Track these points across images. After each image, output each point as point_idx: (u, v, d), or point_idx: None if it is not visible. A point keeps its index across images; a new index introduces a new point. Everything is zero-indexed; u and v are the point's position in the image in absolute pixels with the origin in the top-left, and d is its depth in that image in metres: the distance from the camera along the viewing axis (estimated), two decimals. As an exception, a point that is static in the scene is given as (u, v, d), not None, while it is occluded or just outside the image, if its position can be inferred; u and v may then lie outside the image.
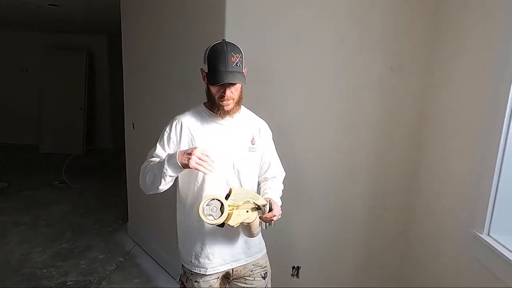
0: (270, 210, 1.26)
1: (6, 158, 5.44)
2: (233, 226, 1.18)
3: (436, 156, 1.81)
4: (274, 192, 1.42)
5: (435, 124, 1.82)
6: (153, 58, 2.62)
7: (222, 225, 1.17)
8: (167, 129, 1.34)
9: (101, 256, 2.91)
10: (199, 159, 1.17)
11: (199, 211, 1.14)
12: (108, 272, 2.68)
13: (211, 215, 1.14)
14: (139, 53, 2.83)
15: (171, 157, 1.22)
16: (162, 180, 1.22)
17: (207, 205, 1.14)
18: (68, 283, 2.52)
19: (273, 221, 1.29)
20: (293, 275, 2.15)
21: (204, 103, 1.38)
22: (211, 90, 1.28)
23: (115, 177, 4.32)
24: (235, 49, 1.25)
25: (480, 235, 1.31)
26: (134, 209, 3.14)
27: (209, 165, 1.19)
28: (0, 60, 6.59)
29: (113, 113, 6.54)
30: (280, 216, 1.30)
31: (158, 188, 1.26)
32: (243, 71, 1.28)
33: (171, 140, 1.32)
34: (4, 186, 4.38)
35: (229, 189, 1.21)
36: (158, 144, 1.35)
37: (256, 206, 1.20)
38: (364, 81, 1.92)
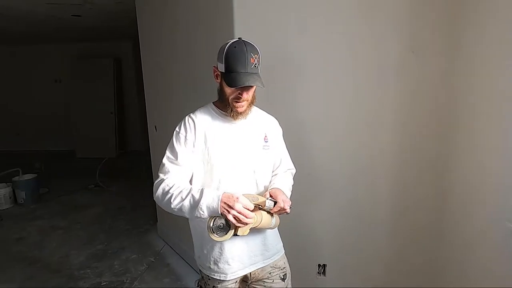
0: (275, 203, 1.23)
1: (45, 164, 5.75)
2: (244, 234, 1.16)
3: (466, 146, 1.66)
4: (279, 182, 1.36)
5: (464, 111, 1.67)
6: (170, 61, 2.63)
7: (236, 235, 1.14)
8: (182, 130, 1.28)
9: (133, 257, 3.00)
10: (239, 212, 1.10)
11: (208, 232, 1.12)
12: (139, 272, 2.76)
13: (220, 231, 1.13)
14: (157, 57, 2.86)
15: (208, 201, 1.13)
16: (193, 216, 1.15)
17: (213, 225, 1.12)
18: (102, 284, 2.62)
19: (286, 211, 1.25)
20: (319, 273, 2.09)
21: (214, 102, 1.35)
22: (225, 91, 1.23)
23: (145, 178, 4.44)
24: (254, 49, 1.20)
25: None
26: (162, 210, 3.20)
27: (246, 223, 1.12)
28: (35, 72, 6.99)
29: (141, 116, 6.74)
30: (290, 204, 1.26)
31: (182, 214, 1.19)
32: (260, 76, 1.22)
33: (188, 141, 1.26)
34: (45, 192, 4.64)
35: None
36: (176, 149, 1.25)
37: (259, 207, 1.16)
38: (383, 67, 1.80)
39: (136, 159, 6.25)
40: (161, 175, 1.25)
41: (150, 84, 3.12)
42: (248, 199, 1.15)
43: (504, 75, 1.38)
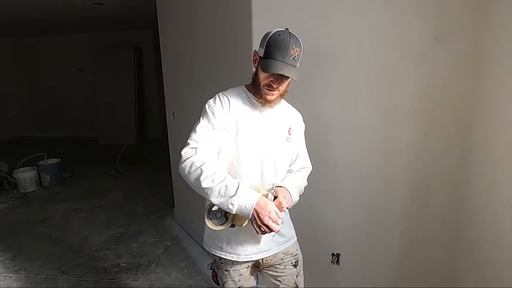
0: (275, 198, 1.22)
1: (69, 150, 5.96)
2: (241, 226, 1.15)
3: (488, 137, 1.60)
4: (288, 181, 1.34)
5: (488, 101, 1.60)
6: (188, 49, 2.65)
7: (232, 226, 1.14)
8: (218, 103, 1.24)
9: (150, 240, 3.08)
10: (266, 226, 1.11)
11: (204, 217, 1.11)
12: (156, 255, 2.83)
13: (216, 219, 1.12)
14: (175, 46, 2.88)
15: (242, 201, 1.10)
16: (218, 202, 1.12)
17: (212, 210, 1.11)
18: (121, 265, 2.72)
19: (281, 209, 1.19)
20: (333, 262, 2.09)
21: (246, 86, 1.33)
22: (259, 76, 1.22)
23: (164, 165, 4.52)
24: (297, 42, 1.18)
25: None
26: (179, 195, 3.27)
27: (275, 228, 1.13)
28: (59, 61, 7.20)
29: (161, 104, 6.82)
30: (289, 204, 1.25)
31: (203, 194, 1.15)
32: (296, 71, 1.19)
33: (222, 116, 1.22)
34: (68, 176, 4.82)
35: None
36: (211, 118, 1.20)
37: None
38: (404, 54, 1.75)
39: (155, 146, 6.37)
40: (192, 143, 1.19)
41: (169, 72, 3.15)
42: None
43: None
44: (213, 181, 1.12)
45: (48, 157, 4.54)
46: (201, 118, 1.24)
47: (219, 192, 1.11)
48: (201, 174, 1.12)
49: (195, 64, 2.57)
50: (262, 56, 1.19)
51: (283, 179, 1.36)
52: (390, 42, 1.75)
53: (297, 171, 1.42)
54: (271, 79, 1.19)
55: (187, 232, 3.16)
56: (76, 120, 7.38)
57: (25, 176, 4.30)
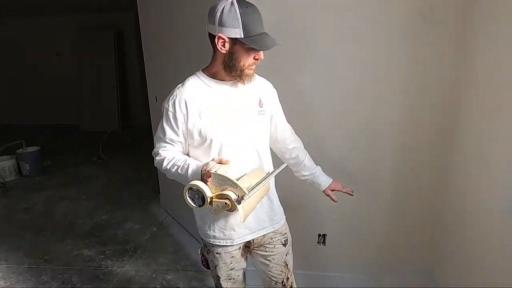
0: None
1: (49, 138, 5.79)
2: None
3: (472, 114, 1.61)
4: (315, 172, 1.51)
5: (476, 81, 1.60)
6: (167, 30, 2.56)
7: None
8: (170, 108, 1.21)
9: (136, 227, 3.05)
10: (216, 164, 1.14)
11: (184, 197, 1.10)
12: (143, 242, 2.81)
13: (193, 200, 1.10)
14: (155, 27, 2.79)
15: (194, 175, 1.17)
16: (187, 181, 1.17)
17: (190, 189, 1.09)
18: (106, 252, 2.69)
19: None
20: (319, 243, 2.11)
21: (203, 70, 1.27)
22: (239, 58, 1.15)
23: (149, 151, 4.41)
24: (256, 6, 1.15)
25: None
26: (164, 181, 3.23)
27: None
28: (36, 45, 6.88)
29: (145, 89, 6.65)
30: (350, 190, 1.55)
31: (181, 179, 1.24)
32: None
33: (178, 120, 1.20)
34: (49, 164, 4.68)
35: (209, 171, 1.11)
36: (166, 127, 1.23)
37: (237, 197, 1.07)
38: (389, 32, 1.72)
39: (139, 132, 6.25)
40: (155, 149, 1.29)
41: (150, 55, 3.06)
42: (229, 182, 1.09)
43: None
44: (174, 174, 1.22)
45: (28, 145, 4.39)
46: (162, 120, 1.25)
47: (182, 180, 1.18)
48: (167, 171, 1.24)
49: (175, 46, 2.50)
50: (242, 36, 1.10)
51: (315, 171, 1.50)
52: (376, 19, 1.71)
53: (293, 146, 1.47)
54: (255, 54, 1.15)
55: (173, 218, 3.14)
56: (56, 107, 7.13)
57: (3, 165, 4.16)
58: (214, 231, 1.32)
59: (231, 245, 1.33)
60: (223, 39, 1.13)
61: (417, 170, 1.90)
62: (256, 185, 1.13)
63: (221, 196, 1.08)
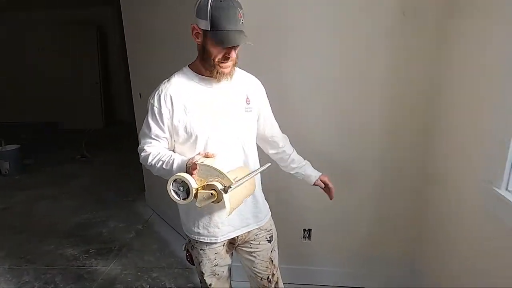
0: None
1: (30, 136, 5.64)
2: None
3: (452, 109, 1.65)
4: (305, 164, 1.53)
5: (453, 73, 1.65)
6: (151, 25, 2.52)
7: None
8: (156, 103, 1.20)
9: (121, 225, 3.01)
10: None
11: (167, 189, 1.07)
12: (128, 240, 2.78)
13: (178, 193, 1.08)
14: (138, 21, 2.74)
15: (179, 169, 1.15)
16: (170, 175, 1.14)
17: (174, 182, 1.07)
18: (90, 251, 2.64)
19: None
20: (305, 238, 2.13)
21: (189, 66, 1.26)
22: (210, 51, 1.14)
23: (133, 148, 4.36)
24: (239, 3, 1.11)
25: (498, 190, 1.20)
26: (150, 178, 3.20)
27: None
28: (17, 41, 6.68)
29: (128, 85, 6.54)
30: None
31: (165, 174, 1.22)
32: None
33: (164, 115, 1.20)
34: (30, 163, 4.57)
35: (196, 162, 1.11)
36: (151, 122, 1.22)
37: (223, 187, 1.07)
38: (372, 30, 1.74)
39: (123, 128, 6.14)
40: (141, 145, 1.28)
41: (133, 50, 3.01)
42: (216, 172, 1.08)
43: (493, 39, 1.35)
44: (159, 169, 1.21)
45: (8, 143, 4.26)
46: (147, 116, 1.24)
47: (168, 174, 1.15)
48: (152, 167, 1.23)
49: (159, 42, 2.46)
50: (208, 29, 1.10)
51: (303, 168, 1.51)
52: (359, 16, 1.73)
53: (282, 144, 1.48)
54: (226, 51, 1.13)
55: (159, 215, 3.11)
56: (37, 104, 6.94)
57: (-18, 163, 4.04)
58: (199, 228, 1.32)
59: (215, 242, 1.33)
60: (196, 29, 1.14)
61: (400, 165, 1.94)
62: (242, 178, 1.12)
63: (207, 187, 1.08)
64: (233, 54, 1.14)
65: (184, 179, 1.06)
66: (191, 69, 1.25)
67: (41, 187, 3.86)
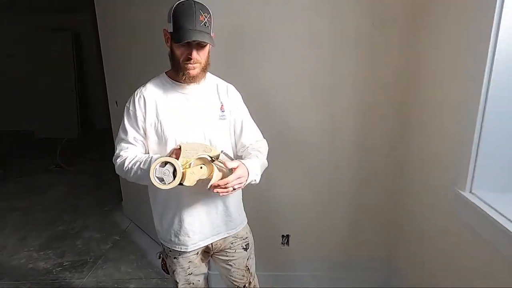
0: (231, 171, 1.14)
1: (1, 145, 5.43)
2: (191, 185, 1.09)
3: (421, 114, 1.73)
4: (252, 158, 1.25)
5: (420, 80, 1.73)
6: (127, 32, 2.51)
7: (180, 184, 1.07)
8: (131, 106, 1.24)
9: (97, 236, 2.93)
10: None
11: (150, 176, 1.04)
12: (103, 251, 2.71)
13: (162, 179, 1.05)
14: (114, 28, 2.71)
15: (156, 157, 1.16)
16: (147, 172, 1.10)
17: (159, 166, 1.05)
18: (64, 264, 2.56)
19: (224, 190, 1.11)
20: (283, 244, 2.14)
21: (166, 72, 1.29)
22: (175, 53, 1.18)
23: (110, 156, 4.27)
24: (204, 8, 1.15)
25: (462, 192, 1.26)
26: (127, 187, 3.14)
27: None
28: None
29: (104, 93, 6.42)
30: (238, 185, 1.13)
31: (140, 179, 1.21)
32: (211, 34, 1.18)
33: (138, 118, 1.23)
34: (0, 173, 4.38)
35: (179, 146, 1.11)
36: (127, 125, 1.24)
37: (211, 159, 1.09)
38: (343, 38, 1.81)
39: (100, 137, 6.00)
40: (117, 151, 1.28)
41: (109, 57, 2.97)
42: (202, 147, 1.10)
43: (455, 49, 1.42)
44: (135, 171, 1.20)
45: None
46: (123, 120, 1.26)
47: (144, 177, 1.13)
48: (126, 170, 1.22)
49: (135, 48, 2.44)
50: (171, 30, 1.15)
51: (246, 156, 1.29)
52: (330, 25, 1.79)
53: (252, 148, 1.33)
54: (188, 51, 1.15)
55: (136, 225, 3.05)
56: (8, 112, 6.69)
57: None
58: (170, 235, 1.32)
59: (185, 251, 1.33)
60: (165, 34, 1.20)
61: (374, 170, 1.99)
62: (228, 154, 1.19)
63: (195, 163, 1.09)
64: (194, 54, 1.16)
65: (169, 160, 1.05)
66: (167, 75, 1.28)
67: (12, 198, 3.70)
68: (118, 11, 2.57)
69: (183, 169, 1.06)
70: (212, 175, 1.11)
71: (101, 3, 2.84)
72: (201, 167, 1.09)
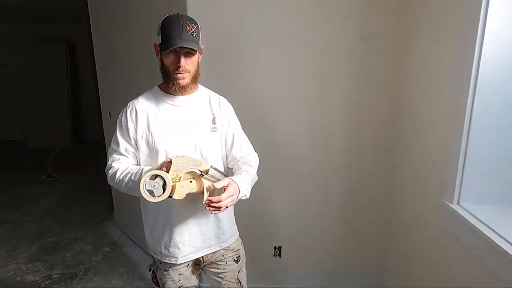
0: (221, 186, 1.14)
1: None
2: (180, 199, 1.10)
3: (410, 126, 1.76)
4: (242, 173, 1.25)
5: (409, 92, 1.76)
6: (122, 43, 2.53)
7: (170, 196, 1.07)
8: (123, 118, 1.27)
9: (87, 248, 2.90)
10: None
11: (140, 189, 1.05)
12: (94, 263, 2.67)
13: (152, 192, 1.05)
14: (109, 39, 2.73)
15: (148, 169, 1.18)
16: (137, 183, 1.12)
17: (149, 179, 1.05)
18: (53, 277, 2.51)
19: (216, 208, 1.10)
20: (276, 255, 2.14)
21: (159, 85, 1.31)
22: (165, 63, 1.21)
23: (102, 167, 4.25)
24: (191, 19, 1.20)
25: (450, 204, 1.28)
26: (119, 198, 3.11)
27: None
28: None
29: (99, 103, 6.39)
30: (230, 203, 1.14)
31: (131, 190, 1.22)
32: (200, 45, 1.21)
33: (130, 130, 1.26)
34: (-10, 184, 4.33)
35: (169, 159, 1.12)
36: (119, 137, 1.27)
37: (200, 173, 1.10)
38: (334, 53, 1.85)
39: (93, 147, 5.93)
40: (109, 162, 1.29)
41: (103, 68, 2.98)
42: (192, 161, 1.11)
43: (442, 65, 1.46)
44: (126, 182, 1.21)
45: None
46: (115, 132, 1.29)
47: (135, 188, 1.13)
48: (118, 181, 1.23)
49: (130, 59, 2.46)
50: (161, 42, 1.19)
51: (236, 171, 1.27)
52: (322, 40, 1.83)
53: (243, 162, 1.32)
54: (177, 60, 1.18)
55: (128, 236, 3.02)
56: (0, 121, 6.64)
57: None
58: (160, 247, 1.32)
59: (175, 263, 1.32)
60: (156, 47, 1.23)
61: (365, 182, 2.01)
62: (217, 169, 1.19)
63: (185, 177, 1.10)
64: (183, 63, 1.18)
65: (159, 173, 1.06)
66: (159, 87, 1.31)
67: (2, 210, 3.65)
68: (112, 21, 2.59)
69: (173, 182, 1.06)
70: (202, 189, 1.12)
71: (95, 13, 2.86)
72: (190, 181, 1.10)
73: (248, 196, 1.24)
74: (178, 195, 1.08)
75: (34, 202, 3.84)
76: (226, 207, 1.14)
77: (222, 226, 1.37)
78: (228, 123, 1.36)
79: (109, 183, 1.30)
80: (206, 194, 1.12)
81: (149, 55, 2.18)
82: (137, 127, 1.25)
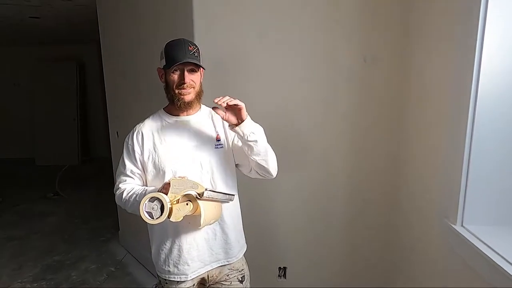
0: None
1: (2, 172, 5.45)
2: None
3: (412, 146, 1.78)
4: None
5: (410, 112, 1.79)
6: (132, 64, 2.60)
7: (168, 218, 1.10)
8: (129, 141, 1.33)
9: (92, 267, 2.90)
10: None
11: (139, 210, 1.08)
12: (98, 283, 2.67)
13: (151, 213, 1.08)
14: (118, 61, 2.82)
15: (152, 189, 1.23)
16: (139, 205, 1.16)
17: (148, 201, 1.08)
18: (58, 296, 2.52)
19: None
20: (280, 276, 2.12)
21: (164, 108, 1.37)
22: (170, 82, 1.26)
23: (109, 186, 4.29)
24: (192, 42, 1.28)
25: (454, 226, 1.28)
26: (124, 217, 3.13)
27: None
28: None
29: (106, 122, 6.51)
30: (234, 104, 1.20)
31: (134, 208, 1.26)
32: (201, 64, 1.27)
33: (136, 152, 1.31)
34: (-2, 201, 4.38)
35: (169, 181, 1.15)
36: (126, 159, 1.33)
37: (197, 195, 1.12)
38: (337, 74, 1.89)
39: (100, 166, 6.05)
40: (116, 183, 1.34)
41: (112, 89, 3.06)
42: (190, 184, 1.13)
43: (442, 85, 1.49)
44: (132, 203, 1.25)
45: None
46: (122, 154, 1.34)
47: (137, 199, 1.21)
48: (125, 203, 1.28)
49: (139, 80, 2.53)
50: (164, 65, 1.26)
51: None
52: (324, 61, 1.88)
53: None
54: (181, 76, 1.24)
55: (133, 256, 3.02)
56: (10, 139, 6.77)
57: None
58: (169, 266, 1.33)
59: (185, 281, 1.33)
60: (159, 71, 1.31)
61: (367, 201, 2.01)
62: (214, 191, 1.19)
63: (182, 200, 1.12)
64: (187, 79, 1.24)
65: (157, 196, 1.08)
66: (164, 110, 1.37)
67: (9, 227, 3.68)
68: (122, 42, 2.68)
69: (170, 204, 1.09)
70: (199, 212, 1.13)
71: (106, 35, 2.97)
72: (187, 204, 1.11)
73: (255, 140, 1.23)
74: (175, 217, 1.10)
75: (41, 219, 3.88)
76: (234, 105, 1.20)
77: (230, 241, 1.39)
78: (232, 137, 1.38)
79: (117, 203, 1.35)
80: (203, 217, 1.14)
81: (157, 78, 2.27)
82: (143, 149, 1.30)
